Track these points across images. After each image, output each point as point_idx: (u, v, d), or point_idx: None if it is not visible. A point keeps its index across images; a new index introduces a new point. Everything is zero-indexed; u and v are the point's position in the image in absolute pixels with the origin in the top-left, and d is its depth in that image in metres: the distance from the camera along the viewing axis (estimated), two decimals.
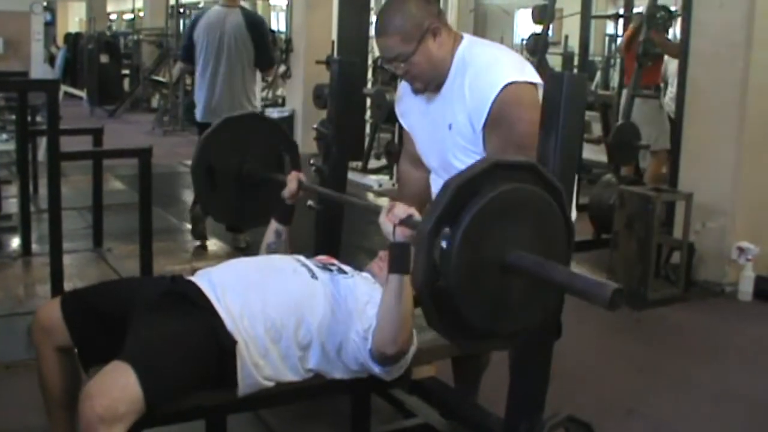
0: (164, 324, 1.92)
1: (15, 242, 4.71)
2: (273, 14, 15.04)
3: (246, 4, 7.96)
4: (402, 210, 1.85)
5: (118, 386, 1.72)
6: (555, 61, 6.94)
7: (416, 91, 2.21)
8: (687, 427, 2.93)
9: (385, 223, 1.86)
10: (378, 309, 1.95)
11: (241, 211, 2.66)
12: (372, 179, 7.35)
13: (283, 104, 9.95)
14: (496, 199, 1.53)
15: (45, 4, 12.16)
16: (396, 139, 7.31)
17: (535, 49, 5.75)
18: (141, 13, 17.37)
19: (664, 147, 5.74)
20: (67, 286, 3.51)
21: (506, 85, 2.02)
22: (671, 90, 6.06)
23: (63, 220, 3.58)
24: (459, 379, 2.68)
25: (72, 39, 15.01)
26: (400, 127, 2.45)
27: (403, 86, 2.33)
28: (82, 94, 13.08)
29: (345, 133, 2.68)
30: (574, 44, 6.81)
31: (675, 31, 6.17)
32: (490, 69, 2.08)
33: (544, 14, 5.83)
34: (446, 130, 2.16)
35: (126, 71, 13.72)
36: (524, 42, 6.51)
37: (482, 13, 12.89)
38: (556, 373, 2.09)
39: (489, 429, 2.18)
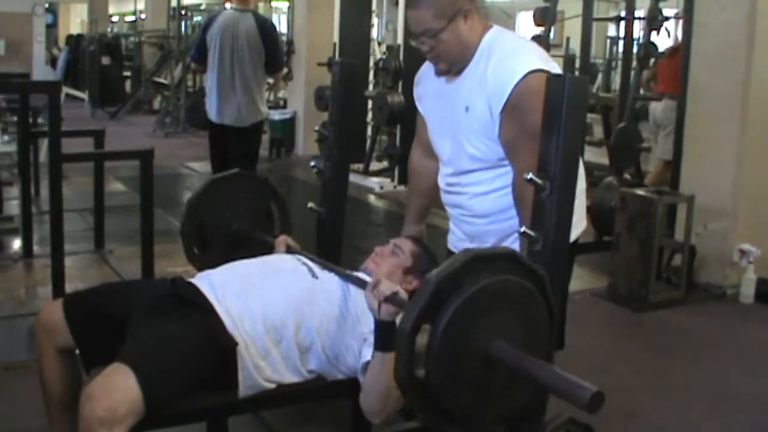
0: (165, 326, 1.92)
1: (16, 244, 4.71)
2: (275, 16, 15.05)
3: None
4: (387, 287, 1.82)
5: (118, 388, 1.72)
6: (556, 64, 6.92)
7: (438, 73, 2.17)
8: (688, 429, 2.92)
9: (371, 298, 1.83)
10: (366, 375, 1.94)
11: None
12: (373, 181, 7.35)
13: (284, 106, 9.96)
14: (477, 293, 1.52)
15: (47, 5, 12.17)
16: (397, 142, 7.33)
17: None
18: (143, 15, 17.41)
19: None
20: (69, 287, 3.51)
21: (528, 73, 2.00)
22: None
23: (64, 221, 3.59)
24: None
25: (74, 41, 15.01)
26: (415, 115, 2.42)
27: (424, 71, 2.31)
28: (84, 95, 13.07)
29: (346, 135, 2.67)
30: (576, 46, 6.82)
31: (675, 32, 6.18)
32: (514, 55, 2.06)
33: (545, 16, 5.82)
34: (462, 112, 2.13)
35: (127, 73, 13.71)
36: None
37: (483, 15, 12.86)
38: None
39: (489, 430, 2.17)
